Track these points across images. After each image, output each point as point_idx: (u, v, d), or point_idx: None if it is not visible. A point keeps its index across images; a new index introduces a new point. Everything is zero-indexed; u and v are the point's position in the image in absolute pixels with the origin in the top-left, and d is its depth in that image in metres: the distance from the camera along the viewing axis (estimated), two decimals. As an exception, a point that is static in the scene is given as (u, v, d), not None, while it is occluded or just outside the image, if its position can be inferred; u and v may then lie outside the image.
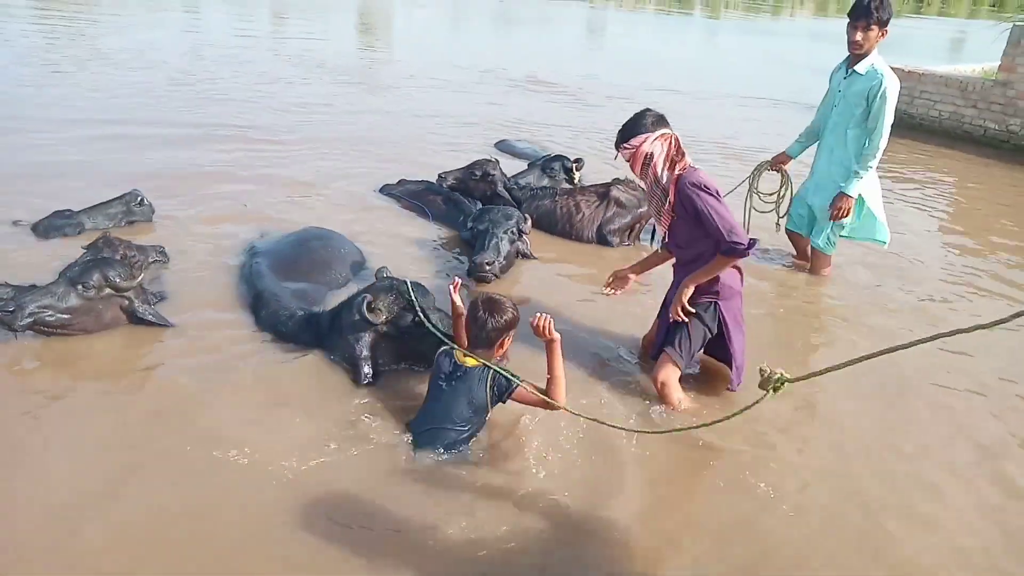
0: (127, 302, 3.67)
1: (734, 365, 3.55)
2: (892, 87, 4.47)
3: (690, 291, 3.38)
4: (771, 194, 5.26)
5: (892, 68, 4.66)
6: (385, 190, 6.19)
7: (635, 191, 5.48)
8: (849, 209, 4.74)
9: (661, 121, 3.32)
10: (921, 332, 2.67)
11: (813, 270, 5.17)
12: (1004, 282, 5.42)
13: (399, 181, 6.26)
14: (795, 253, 5.39)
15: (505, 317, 3.00)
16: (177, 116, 8.04)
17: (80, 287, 3.52)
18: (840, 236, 4.99)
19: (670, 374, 3.45)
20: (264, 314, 3.94)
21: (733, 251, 3.19)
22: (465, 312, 3.12)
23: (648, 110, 3.36)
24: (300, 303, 3.97)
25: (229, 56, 11.97)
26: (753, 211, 5.30)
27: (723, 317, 3.46)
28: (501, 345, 3.06)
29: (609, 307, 4.37)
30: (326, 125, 8.29)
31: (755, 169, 5.34)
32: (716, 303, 3.44)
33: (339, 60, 12.71)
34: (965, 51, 23.89)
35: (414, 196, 5.97)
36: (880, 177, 5.11)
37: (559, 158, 6.31)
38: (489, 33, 19.19)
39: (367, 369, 3.46)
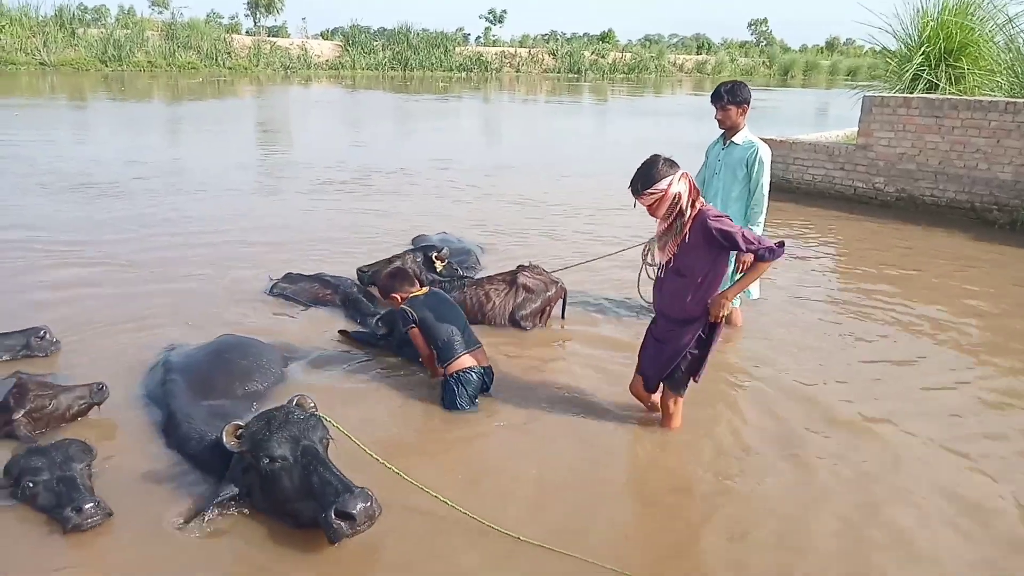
0: None
1: (703, 361, 3.87)
2: (766, 154, 5.16)
3: (730, 300, 3.71)
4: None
5: (767, 138, 5.27)
6: (276, 290, 6.10)
7: (540, 276, 5.66)
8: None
9: (673, 163, 3.58)
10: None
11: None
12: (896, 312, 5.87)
13: (285, 275, 6.23)
14: None
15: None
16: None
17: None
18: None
19: (672, 403, 4.01)
20: (175, 438, 3.77)
21: (769, 253, 3.53)
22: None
23: (658, 156, 3.60)
24: (216, 423, 3.75)
25: (101, 169, 11.73)
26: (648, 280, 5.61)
27: (713, 334, 3.82)
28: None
29: (557, 374, 4.66)
30: (240, 228, 8.19)
31: (647, 243, 5.59)
32: (707, 323, 3.79)
33: (244, 165, 12.66)
34: (829, 118, 26.18)
35: (307, 294, 5.95)
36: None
37: (424, 248, 6.39)
38: (391, 133, 19.57)
39: (218, 496, 3.20)
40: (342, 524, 2.90)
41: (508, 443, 4.01)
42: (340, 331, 5.27)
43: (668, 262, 3.79)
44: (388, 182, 11.61)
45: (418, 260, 6.22)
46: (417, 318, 4.36)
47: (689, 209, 3.58)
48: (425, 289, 4.58)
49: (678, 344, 3.83)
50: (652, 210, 3.64)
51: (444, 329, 4.36)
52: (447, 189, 11.26)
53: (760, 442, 4.06)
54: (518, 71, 53.69)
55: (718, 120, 5.21)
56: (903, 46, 12.55)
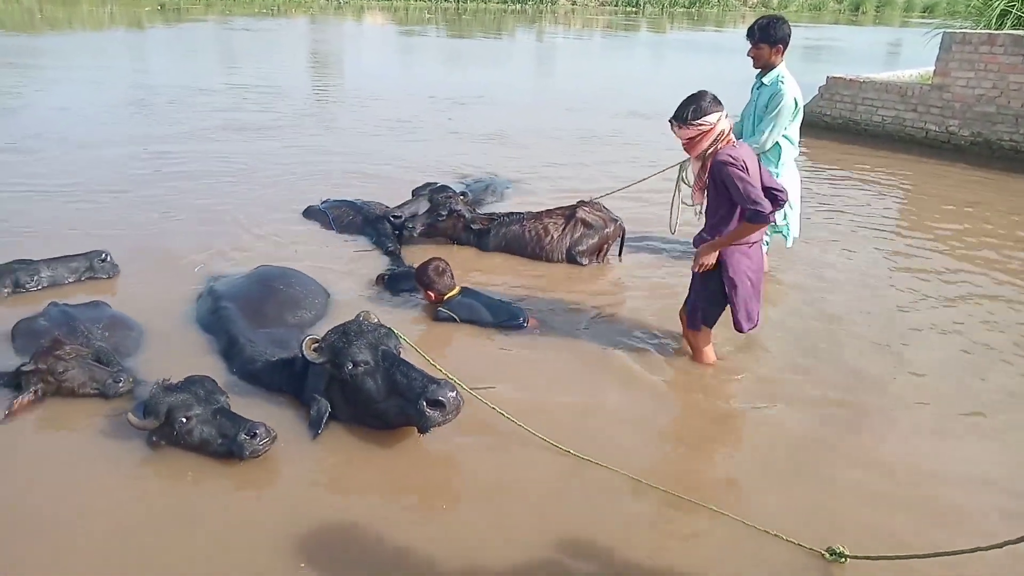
0: None
1: (734, 310, 3.87)
2: (789, 92, 4.80)
3: (713, 253, 3.74)
4: None
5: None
6: (308, 212, 6.47)
7: (600, 212, 5.61)
8: None
9: (719, 101, 3.56)
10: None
11: None
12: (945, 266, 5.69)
13: (323, 201, 6.53)
14: None
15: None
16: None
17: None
18: (772, 234, 5.30)
19: (692, 337, 4.09)
20: (239, 361, 3.87)
21: (755, 218, 3.51)
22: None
23: (705, 92, 3.57)
24: (276, 348, 3.89)
25: (144, 102, 11.91)
26: (683, 205, 5.25)
27: (725, 272, 3.78)
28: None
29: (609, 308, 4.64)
30: (275, 162, 8.31)
31: (681, 164, 5.34)
32: (718, 264, 3.78)
33: (291, 96, 12.72)
34: (902, 57, 24.83)
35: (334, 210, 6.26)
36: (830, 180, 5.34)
37: (444, 188, 6.17)
38: (439, 71, 19.28)
39: (314, 412, 3.35)
40: (434, 412, 3.08)
41: (558, 371, 4.10)
42: (378, 277, 5.14)
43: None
44: (424, 121, 11.48)
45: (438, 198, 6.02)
46: (459, 319, 4.49)
47: (718, 146, 3.58)
48: (458, 289, 4.62)
49: (695, 278, 3.94)
50: (691, 144, 3.61)
51: (498, 313, 4.50)
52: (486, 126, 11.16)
53: (794, 375, 4.14)
54: (574, 3, 52.00)
55: (751, 58, 4.90)
56: (991, -22, 11.73)
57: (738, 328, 3.93)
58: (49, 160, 7.98)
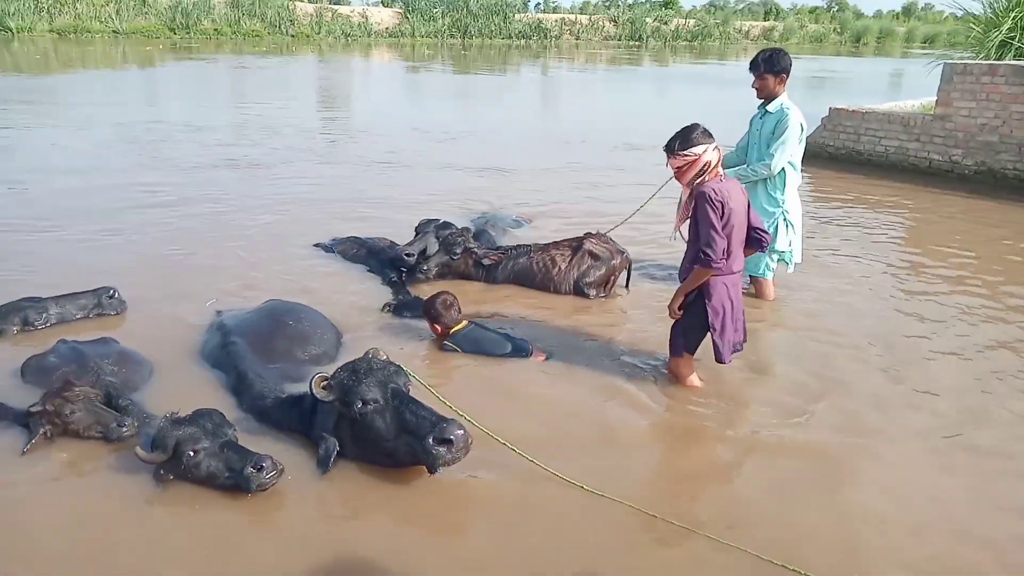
0: None
1: (716, 341, 3.91)
2: (795, 118, 5.03)
3: (680, 299, 3.91)
4: None
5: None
6: (322, 247, 6.53)
7: (607, 244, 5.63)
8: None
9: (710, 133, 3.74)
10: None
11: (761, 296, 5.50)
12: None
13: (332, 240, 6.60)
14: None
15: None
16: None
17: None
18: (777, 261, 5.48)
19: (675, 365, 4.14)
20: (248, 397, 3.84)
21: (701, 260, 3.69)
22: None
23: (697, 124, 3.77)
24: (286, 384, 3.88)
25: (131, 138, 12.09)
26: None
27: (707, 301, 3.84)
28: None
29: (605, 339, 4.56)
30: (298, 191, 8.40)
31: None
32: (699, 293, 3.87)
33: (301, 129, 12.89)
34: (904, 88, 25.06)
35: (345, 253, 6.31)
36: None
37: (448, 224, 6.10)
38: (449, 110, 19.52)
39: (322, 450, 3.31)
40: (441, 450, 3.07)
41: (566, 404, 4.07)
42: (384, 305, 5.25)
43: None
44: (425, 155, 11.56)
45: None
46: (463, 352, 4.51)
47: (704, 178, 3.71)
48: (465, 322, 4.62)
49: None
50: (680, 173, 3.79)
51: (503, 345, 4.53)
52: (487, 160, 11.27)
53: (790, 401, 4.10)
54: (578, 39, 52.85)
55: (756, 89, 5.15)
56: (990, 10, 11.87)
57: (719, 359, 3.96)
58: (50, 196, 8.02)
